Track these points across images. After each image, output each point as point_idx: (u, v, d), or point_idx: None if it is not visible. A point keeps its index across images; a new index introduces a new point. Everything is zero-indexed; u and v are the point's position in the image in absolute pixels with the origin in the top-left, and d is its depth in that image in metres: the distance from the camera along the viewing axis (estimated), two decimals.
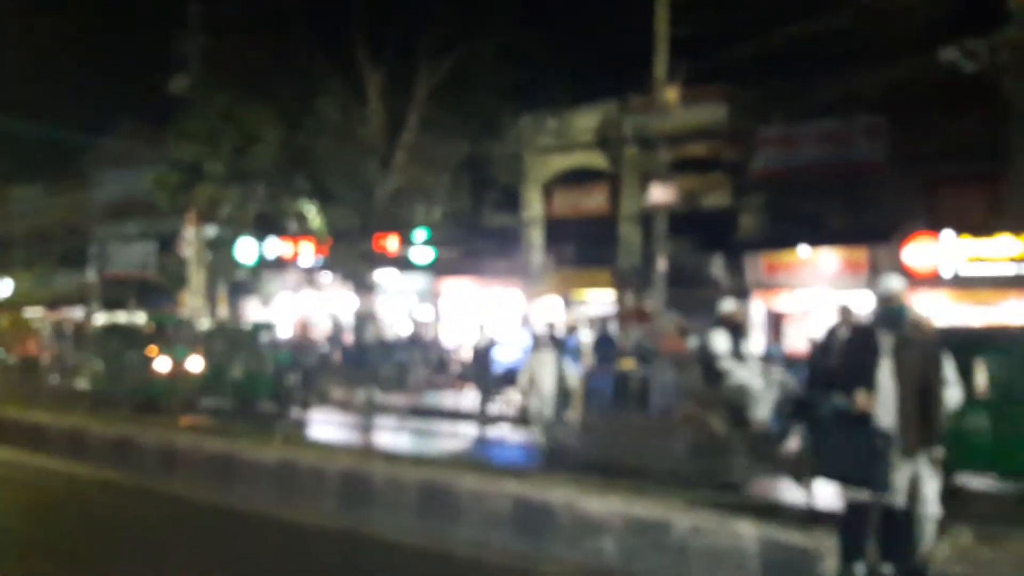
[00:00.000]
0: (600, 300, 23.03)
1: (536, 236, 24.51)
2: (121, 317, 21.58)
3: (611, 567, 6.72)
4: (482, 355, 16.51)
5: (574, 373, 12.22)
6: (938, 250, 17.79)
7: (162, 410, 15.20)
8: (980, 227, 17.30)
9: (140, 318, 19.95)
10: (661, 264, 17.89)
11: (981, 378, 8.70)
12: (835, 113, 18.62)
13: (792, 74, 17.77)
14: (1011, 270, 16.74)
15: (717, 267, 20.81)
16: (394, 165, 22.09)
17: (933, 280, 17.78)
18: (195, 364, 16.71)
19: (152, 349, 16.69)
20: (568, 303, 23.53)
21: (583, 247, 23.40)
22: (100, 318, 20.29)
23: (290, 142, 21.34)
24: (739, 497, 7.80)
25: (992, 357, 8.78)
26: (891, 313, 5.95)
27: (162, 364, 16.46)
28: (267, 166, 21.84)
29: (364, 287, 23.38)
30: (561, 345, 14.10)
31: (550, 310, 22.88)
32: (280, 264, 24.96)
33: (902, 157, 17.96)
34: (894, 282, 5.99)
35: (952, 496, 7.95)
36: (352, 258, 22.85)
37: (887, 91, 17.13)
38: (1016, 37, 11.09)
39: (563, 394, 11.37)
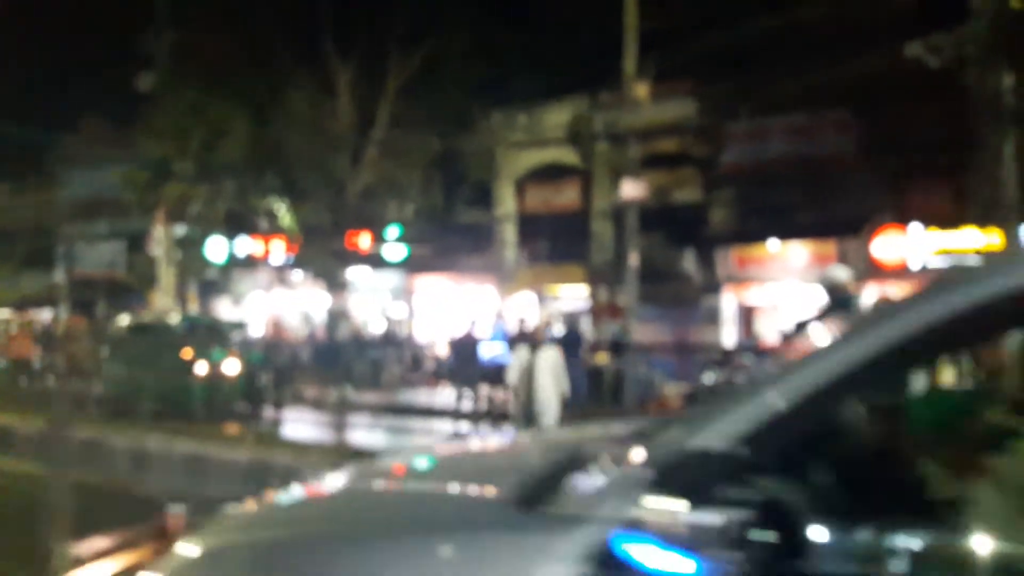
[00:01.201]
0: (573, 295, 23.11)
1: (509, 232, 24.52)
2: (147, 316, 20.73)
3: None
4: (467, 350, 16.33)
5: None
6: (906, 243, 18.05)
7: (198, 416, 14.34)
8: (947, 220, 17.55)
9: (172, 318, 19.22)
10: (633, 259, 17.97)
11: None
12: (802, 108, 18.81)
13: (760, 69, 17.90)
14: (975, 262, 16.99)
15: (689, 261, 20.95)
16: (365, 160, 22.02)
17: (901, 272, 18.04)
18: (232, 367, 15.85)
19: (187, 351, 15.81)
20: (542, 299, 23.58)
21: (556, 243, 23.46)
22: (124, 318, 19.19)
23: (259, 137, 21.19)
24: None
25: None
26: (840, 303, 6.02)
27: (200, 367, 15.51)
28: (236, 162, 21.68)
29: (336, 285, 23.29)
30: (535, 342, 14.05)
31: (524, 306, 22.92)
32: (251, 262, 24.77)
33: (869, 151, 18.18)
34: (839, 272, 6.08)
35: None
36: (324, 256, 22.75)
37: (853, 85, 17.30)
38: (980, 32, 11.26)
39: (560, 395, 10.74)
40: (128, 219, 26.52)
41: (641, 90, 17.92)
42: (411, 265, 24.08)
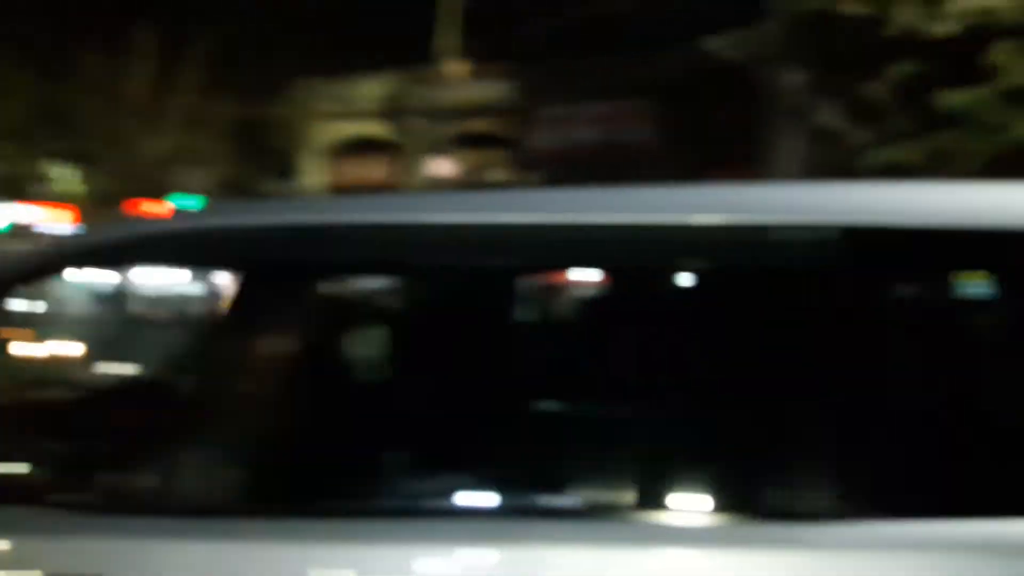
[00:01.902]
0: None
1: None
2: None
3: None
4: None
5: None
6: None
7: None
8: None
9: None
10: None
11: None
12: (610, 96, 19.65)
13: (574, 55, 18.54)
14: None
15: None
16: (161, 127, 20.72)
17: None
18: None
19: None
20: None
21: None
22: None
23: (46, 99, 19.42)
24: None
25: None
26: None
27: None
28: (17, 123, 19.73)
29: None
30: None
31: None
32: (30, 232, 22.65)
33: (670, 141, 19.29)
34: None
35: None
36: None
37: (657, 76, 18.32)
38: (774, 31, 12.26)
39: None
40: None
41: (456, 68, 18.07)
42: None
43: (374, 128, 23.04)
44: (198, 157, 21.62)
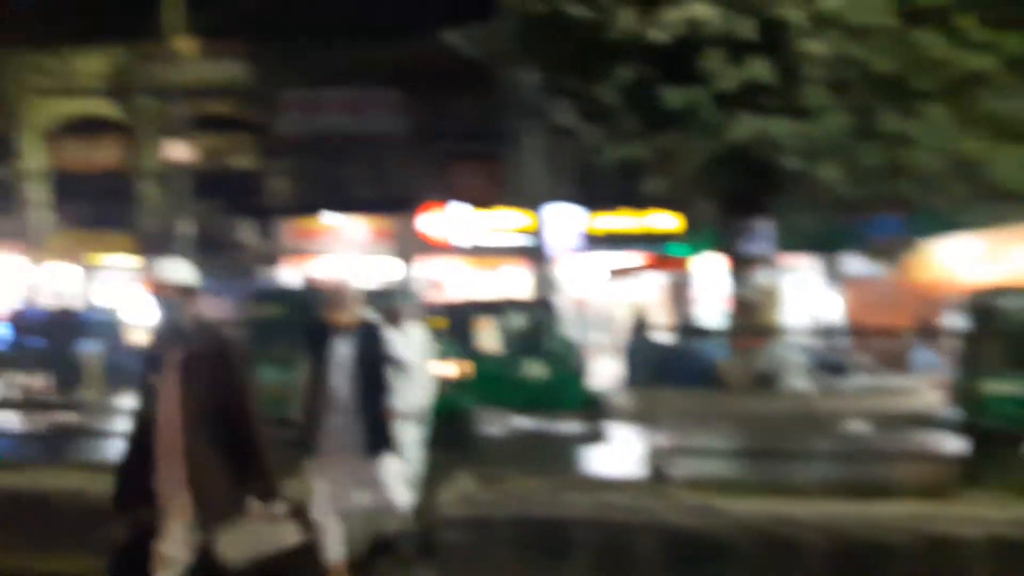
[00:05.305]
0: (120, 265, 21.07)
1: (39, 192, 21.55)
2: None
3: None
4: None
5: None
6: (449, 220, 19.48)
7: None
8: (485, 201, 19.27)
9: None
10: (185, 227, 16.99)
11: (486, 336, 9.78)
12: (355, 82, 19.20)
13: (313, 36, 17.88)
14: (512, 240, 18.92)
15: (246, 231, 20.34)
16: None
17: (449, 248, 19.47)
18: None
19: None
20: (85, 269, 21.19)
21: (98, 206, 21.08)
22: None
23: None
24: None
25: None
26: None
27: None
28: None
29: None
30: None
31: (62, 278, 20.44)
32: None
33: (419, 132, 19.19)
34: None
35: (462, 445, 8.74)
36: None
37: (400, 66, 18.10)
38: (509, 29, 12.39)
39: None
40: None
41: (185, 44, 16.92)
42: None
43: (99, 106, 21.05)
44: None
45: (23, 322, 15.21)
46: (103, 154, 21.50)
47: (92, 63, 20.68)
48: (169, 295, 3.60)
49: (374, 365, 4.96)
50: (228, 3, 15.94)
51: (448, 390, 9.01)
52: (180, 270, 3.69)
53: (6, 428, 12.69)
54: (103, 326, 15.05)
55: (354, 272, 19.46)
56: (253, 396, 3.58)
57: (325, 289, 5.00)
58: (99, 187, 20.95)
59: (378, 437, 4.93)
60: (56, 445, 9.72)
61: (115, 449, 10.38)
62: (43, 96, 21.01)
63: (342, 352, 4.88)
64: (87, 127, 21.31)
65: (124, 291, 20.07)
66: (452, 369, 9.36)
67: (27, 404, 13.39)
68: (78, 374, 12.90)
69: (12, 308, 16.68)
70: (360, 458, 4.88)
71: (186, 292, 3.62)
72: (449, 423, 8.30)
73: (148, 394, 3.58)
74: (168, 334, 3.63)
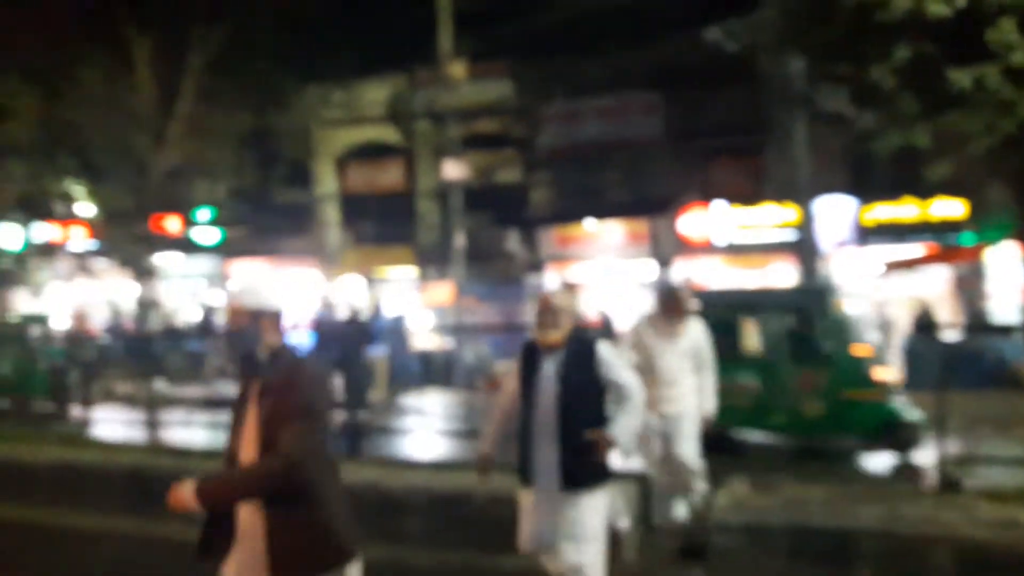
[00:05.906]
0: (402, 277, 22.92)
1: (331, 213, 23.97)
2: None
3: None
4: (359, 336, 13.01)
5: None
6: (710, 219, 19.15)
7: None
8: (747, 198, 18.75)
9: None
10: (459, 240, 18.05)
11: (750, 338, 9.45)
12: (612, 90, 19.43)
13: (571, 51, 18.32)
14: (775, 236, 18.27)
15: (513, 241, 21.29)
16: (169, 139, 20.69)
17: (708, 248, 19.14)
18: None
19: None
20: (370, 281, 23.25)
21: (382, 224, 23.11)
22: None
23: (51, 116, 19.48)
24: None
25: (761, 318, 9.55)
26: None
27: None
28: (24, 143, 19.83)
29: (144, 272, 21.88)
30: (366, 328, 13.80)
31: (352, 290, 22.51)
32: (50, 250, 22.92)
33: (675, 132, 19.06)
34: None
35: (730, 451, 8.59)
36: (129, 241, 21.27)
37: (658, 69, 18.07)
38: (770, 17, 11.99)
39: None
40: None
41: (458, 69, 17.96)
42: (227, 249, 23.05)
43: (382, 132, 23.00)
44: (208, 168, 21.61)
45: (322, 329, 16.92)
46: (386, 176, 23.48)
47: (374, 92, 22.65)
48: (243, 322, 3.33)
49: (580, 387, 4.35)
50: (492, 27, 16.78)
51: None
52: (255, 294, 3.38)
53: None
54: (389, 332, 16.40)
55: (607, 277, 19.76)
56: (302, 432, 3.12)
57: (538, 306, 4.50)
58: (383, 206, 22.94)
59: (574, 471, 4.29)
60: (351, 442, 10.67)
61: (401, 445, 11.24)
62: (333, 126, 23.33)
63: (547, 374, 4.40)
64: (371, 152, 23.39)
65: (406, 300, 21.78)
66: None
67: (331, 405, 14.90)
68: (370, 377, 14.12)
69: (313, 318, 18.65)
70: (558, 493, 4.30)
71: (260, 317, 3.32)
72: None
73: (234, 427, 3.36)
74: (246, 364, 3.35)
